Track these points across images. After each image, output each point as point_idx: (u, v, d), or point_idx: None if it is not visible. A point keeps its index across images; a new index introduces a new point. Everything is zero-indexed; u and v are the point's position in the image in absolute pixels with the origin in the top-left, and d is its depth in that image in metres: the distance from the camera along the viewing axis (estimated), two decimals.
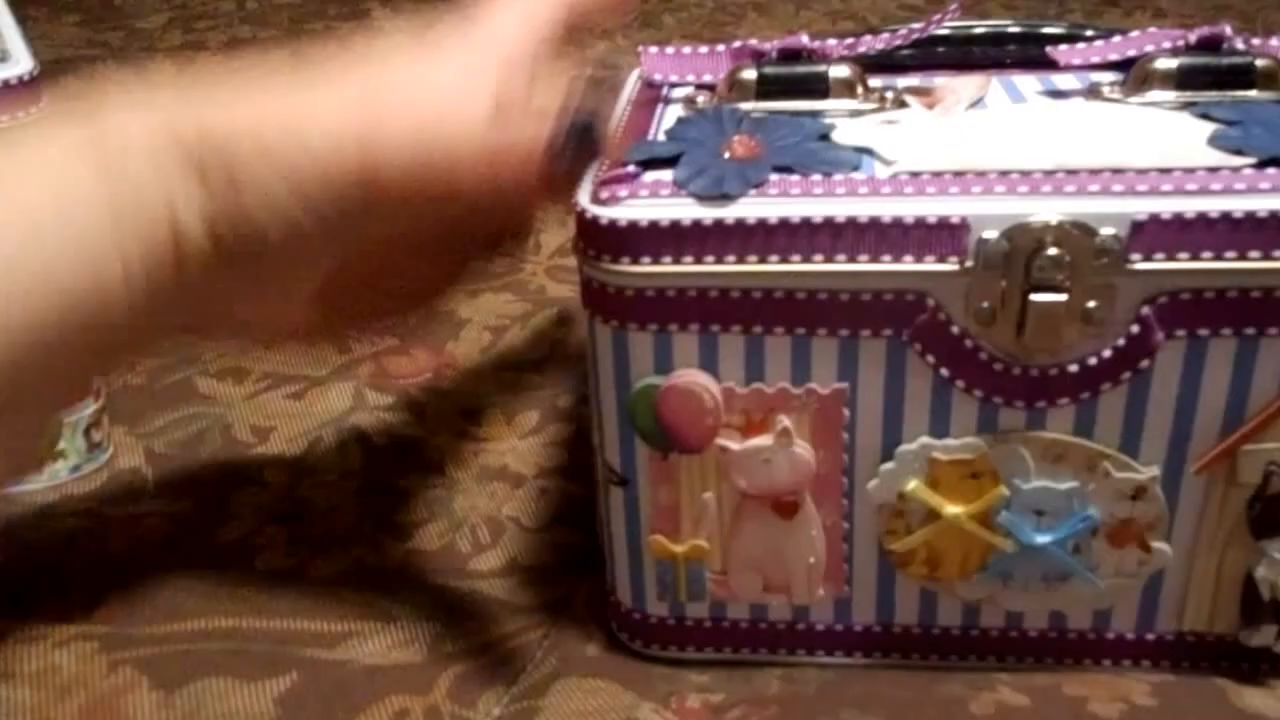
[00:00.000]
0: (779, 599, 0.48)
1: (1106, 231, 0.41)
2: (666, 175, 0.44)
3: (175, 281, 0.45)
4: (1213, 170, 0.42)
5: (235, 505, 0.61)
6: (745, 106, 0.48)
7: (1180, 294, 0.42)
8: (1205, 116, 0.45)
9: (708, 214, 0.42)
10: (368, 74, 0.46)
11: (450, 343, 0.78)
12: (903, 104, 0.49)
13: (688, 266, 0.43)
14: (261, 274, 0.46)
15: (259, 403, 0.72)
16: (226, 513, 0.58)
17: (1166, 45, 0.49)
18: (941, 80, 0.52)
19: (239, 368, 0.76)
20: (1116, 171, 0.42)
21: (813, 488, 0.46)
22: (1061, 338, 0.42)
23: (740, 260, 0.43)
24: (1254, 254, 0.41)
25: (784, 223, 0.42)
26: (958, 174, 0.42)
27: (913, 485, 0.45)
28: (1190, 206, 0.40)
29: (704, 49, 0.54)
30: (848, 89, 0.49)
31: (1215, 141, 0.43)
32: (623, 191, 0.43)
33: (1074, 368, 0.43)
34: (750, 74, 0.49)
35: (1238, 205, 0.40)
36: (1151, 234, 0.41)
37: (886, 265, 0.42)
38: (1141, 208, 0.41)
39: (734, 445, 0.45)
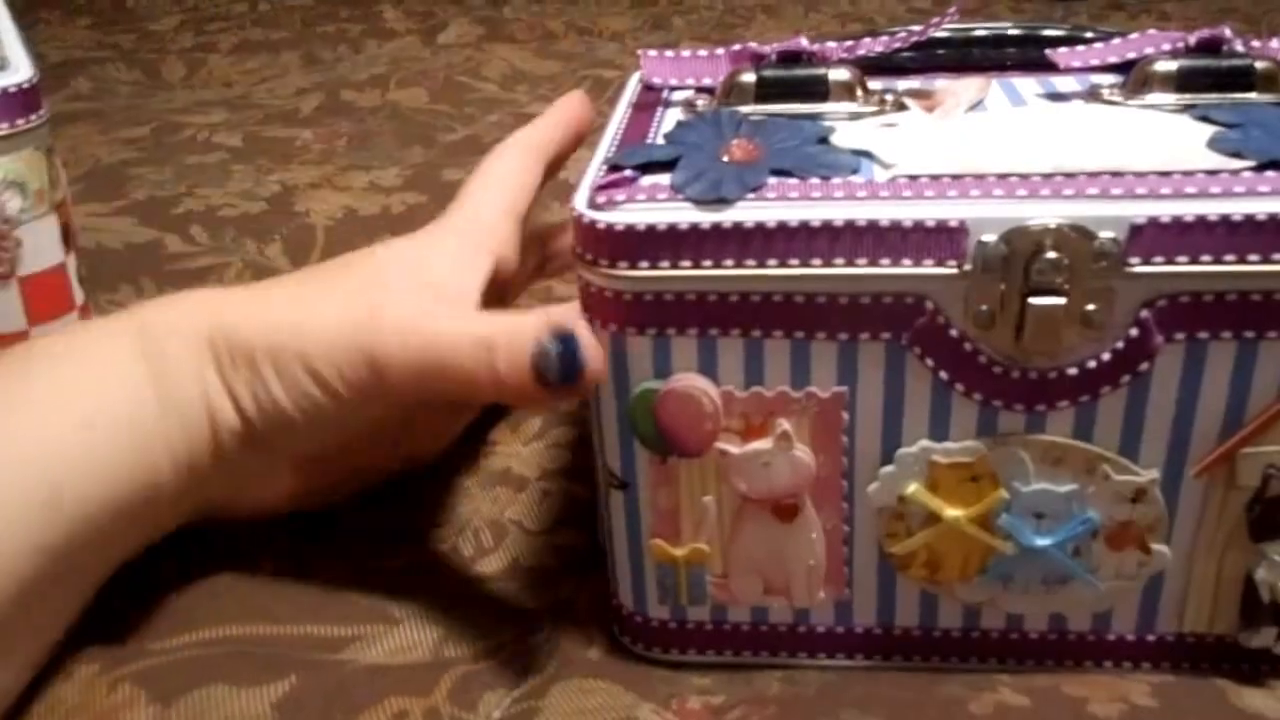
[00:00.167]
0: (779, 602, 0.49)
1: (1105, 235, 0.41)
2: (664, 179, 0.44)
3: (212, 464, 0.50)
4: (1212, 173, 0.41)
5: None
6: (744, 110, 0.48)
7: (1179, 297, 0.41)
8: (1205, 119, 0.45)
9: (706, 218, 0.42)
10: (367, 276, 0.52)
11: None
12: (902, 107, 0.49)
13: (686, 271, 0.43)
14: (284, 449, 0.52)
15: None
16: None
17: (1166, 47, 0.50)
18: (941, 83, 0.52)
19: None
20: (1115, 174, 0.42)
21: (812, 491, 0.46)
22: (1060, 341, 0.42)
23: (739, 264, 0.43)
24: (1253, 257, 0.41)
25: (782, 226, 0.42)
26: (956, 177, 0.42)
27: (913, 488, 0.46)
28: (1189, 210, 0.40)
29: (703, 52, 0.54)
30: (847, 92, 0.49)
31: (1214, 144, 0.43)
32: (620, 196, 0.43)
33: (1073, 371, 0.43)
34: (749, 77, 0.49)
35: (1237, 208, 0.40)
36: (1150, 237, 0.41)
37: (885, 269, 0.42)
38: (1140, 211, 0.41)
39: (733, 449, 0.45)
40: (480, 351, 0.45)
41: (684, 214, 0.42)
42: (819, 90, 0.49)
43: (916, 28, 0.52)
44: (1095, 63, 0.50)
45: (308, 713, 0.48)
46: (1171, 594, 0.47)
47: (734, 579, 0.48)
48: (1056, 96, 0.50)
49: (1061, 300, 0.41)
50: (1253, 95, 0.47)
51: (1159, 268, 0.41)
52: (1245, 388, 0.43)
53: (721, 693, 0.49)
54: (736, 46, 0.53)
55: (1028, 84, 0.52)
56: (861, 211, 0.42)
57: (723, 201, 0.42)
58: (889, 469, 0.45)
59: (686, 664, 0.50)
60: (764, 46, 0.51)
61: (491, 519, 0.61)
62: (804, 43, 0.50)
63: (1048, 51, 0.51)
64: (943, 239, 0.41)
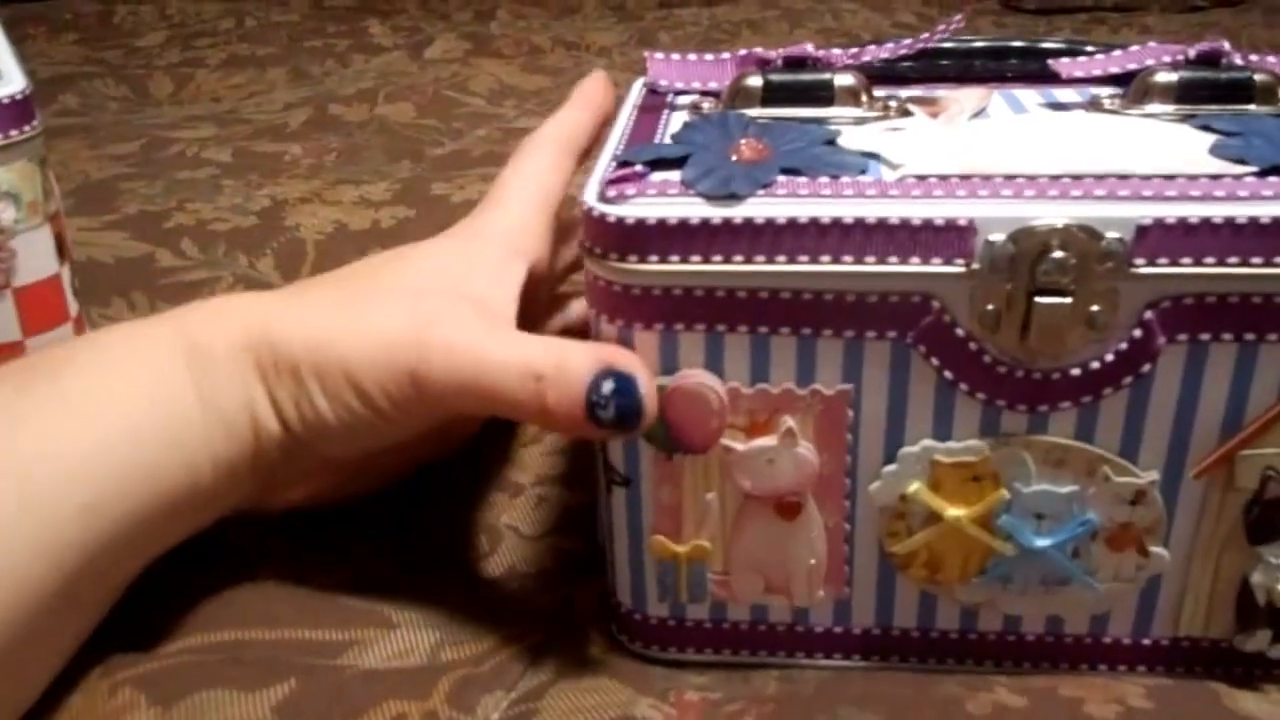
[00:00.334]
0: (780, 600, 0.49)
1: (1112, 235, 0.41)
2: (674, 175, 0.44)
3: (251, 465, 0.50)
4: (1216, 177, 0.42)
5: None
6: (751, 113, 0.49)
7: (1183, 299, 0.42)
8: (1206, 128, 0.46)
9: (716, 213, 0.43)
10: (410, 285, 0.53)
11: None
12: (907, 113, 0.50)
13: (695, 266, 0.43)
14: (322, 455, 0.52)
15: None
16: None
17: (1166, 59, 0.50)
18: (944, 92, 0.52)
19: None
20: (1122, 177, 0.42)
21: (815, 489, 0.46)
22: (1065, 341, 0.43)
23: (747, 260, 0.43)
24: (1256, 260, 0.41)
25: (792, 223, 0.42)
26: (964, 177, 0.43)
27: (915, 487, 0.46)
28: (1195, 211, 0.41)
29: (709, 56, 0.55)
30: (852, 97, 0.49)
31: (1216, 151, 0.44)
32: (631, 190, 0.44)
33: (1076, 371, 0.43)
34: (756, 81, 0.50)
35: (1241, 211, 0.41)
36: (1156, 239, 0.41)
37: (893, 267, 0.43)
38: (1146, 212, 0.41)
39: (738, 445, 0.46)
40: (528, 381, 0.45)
41: (695, 209, 0.43)
42: (824, 95, 0.49)
43: (922, 36, 0.53)
44: (1097, 73, 0.51)
45: (307, 716, 0.48)
46: (1168, 597, 0.47)
47: (735, 576, 0.48)
48: (1058, 106, 0.51)
49: (1067, 300, 0.42)
50: (1252, 107, 0.48)
51: (1163, 269, 0.42)
52: (1245, 390, 0.43)
53: (719, 690, 0.49)
54: (742, 51, 0.53)
55: (1029, 94, 0.52)
56: (871, 209, 0.42)
57: (734, 197, 0.43)
58: (891, 468, 0.46)
59: (685, 662, 0.51)
60: (769, 52, 0.52)
61: (487, 524, 0.61)
62: (809, 48, 0.51)
63: (1050, 62, 0.52)
64: (951, 238, 0.42)
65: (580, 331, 0.65)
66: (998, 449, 0.45)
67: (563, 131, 0.60)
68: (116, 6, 1.99)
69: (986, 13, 1.94)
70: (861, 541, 0.48)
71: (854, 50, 0.52)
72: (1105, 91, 0.52)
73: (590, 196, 0.44)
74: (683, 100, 0.54)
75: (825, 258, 0.43)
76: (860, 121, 0.49)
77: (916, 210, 0.42)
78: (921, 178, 0.43)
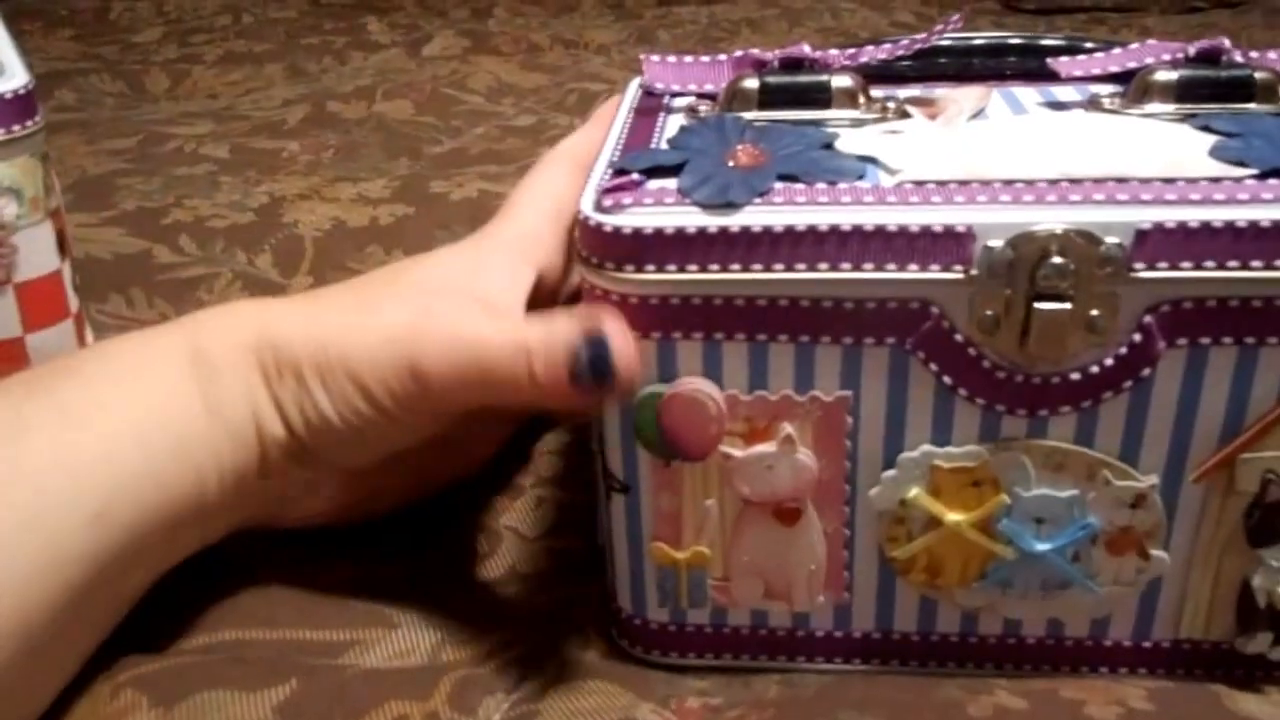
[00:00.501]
0: (780, 605, 0.49)
1: (1111, 240, 0.41)
2: (671, 183, 0.44)
3: (258, 474, 0.50)
4: (1215, 180, 0.42)
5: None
6: (747, 116, 0.49)
7: (1182, 303, 0.42)
8: (1206, 128, 0.46)
9: (713, 222, 0.42)
10: (415, 287, 0.52)
11: None
12: (905, 114, 0.49)
13: (692, 274, 0.43)
14: (331, 463, 0.52)
15: None
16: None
17: (1166, 58, 0.50)
18: (942, 91, 0.52)
19: None
20: (1120, 181, 0.42)
21: (815, 495, 0.46)
22: (1065, 346, 0.42)
23: (745, 268, 0.43)
24: (1256, 264, 0.41)
25: (789, 231, 0.42)
26: (963, 183, 0.43)
27: (914, 493, 0.46)
28: (1194, 216, 0.41)
29: (705, 58, 0.55)
30: (850, 99, 0.49)
31: (1216, 153, 0.44)
32: (627, 199, 0.43)
33: (1076, 376, 0.43)
34: (752, 83, 0.49)
35: (1241, 215, 0.41)
36: (1155, 243, 0.41)
37: (891, 274, 0.42)
38: (1146, 217, 0.41)
39: (737, 452, 0.46)
40: (519, 355, 0.45)
41: (691, 218, 0.43)
42: (822, 97, 0.49)
43: (919, 36, 0.52)
44: (1096, 72, 0.51)
45: (308, 717, 0.48)
46: (1169, 600, 0.47)
47: (735, 582, 0.48)
48: (1057, 106, 0.51)
49: (1067, 305, 0.42)
50: (1252, 106, 0.48)
51: (1163, 273, 0.41)
52: (1245, 393, 0.43)
53: (720, 695, 0.49)
54: (739, 53, 0.53)
55: (1028, 93, 0.52)
56: (868, 216, 0.42)
57: (730, 206, 0.42)
58: (891, 473, 0.46)
59: (685, 667, 0.51)
60: (766, 53, 0.51)
61: (486, 525, 0.60)
62: (806, 49, 0.51)
63: (1050, 60, 0.51)
64: (949, 244, 0.42)
65: None
66: (997, 454, 0.45)
67: (579, 149, 0.60)
68: (113, 2, 1.99)
69: (986, 13, 1.94)
70: (861, 546, 0.47)
71: (851, 50, 0.52)
72: (1105, 90, 0.52)
73: (586, 206, 0.44)
74: (679, 102, 0.53)
75: (823, 265, 0.42)
76: (858, 123, 0.48)
77: (915, 217, 0.42)
78: (919, 183, 0.43)
